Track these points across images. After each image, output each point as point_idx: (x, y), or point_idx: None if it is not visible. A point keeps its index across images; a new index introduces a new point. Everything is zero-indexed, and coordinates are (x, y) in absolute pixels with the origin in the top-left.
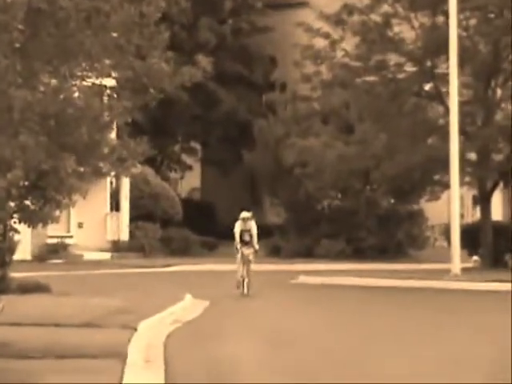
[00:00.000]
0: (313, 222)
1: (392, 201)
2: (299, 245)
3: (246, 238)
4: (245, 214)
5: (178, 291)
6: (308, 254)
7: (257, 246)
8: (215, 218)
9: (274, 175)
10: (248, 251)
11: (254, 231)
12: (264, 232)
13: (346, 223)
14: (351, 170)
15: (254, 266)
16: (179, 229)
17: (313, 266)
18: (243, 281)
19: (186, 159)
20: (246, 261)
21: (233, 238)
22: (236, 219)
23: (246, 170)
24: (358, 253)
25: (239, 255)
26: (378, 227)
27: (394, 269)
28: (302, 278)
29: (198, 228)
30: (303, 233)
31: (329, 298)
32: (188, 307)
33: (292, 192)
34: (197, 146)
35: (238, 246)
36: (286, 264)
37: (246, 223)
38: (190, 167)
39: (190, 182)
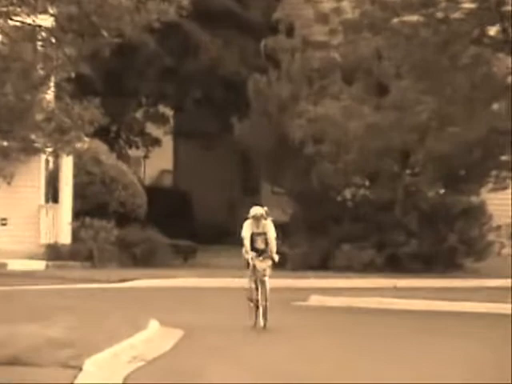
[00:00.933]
0: (330, 219)
1: (441, 191)
2: (311, 251)
3: (260, 244)
4: (257, 211)
5: (139, 316)
6: (323, 264)
7: (276, 257)
8: (193, 214)
9: (275, 154)
10: (263, 264)
11: (272, 235)
12: None
13: (377, 222)
14: (384, 147)
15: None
16: (142, 228)
17: (329, 282)
18: (257, 308)
19: (153, 130)
20: (260, 279)
21: (219, 241)
22: (223, 215)
23: (237, 146)
24: (393, 263)
25: (250, 271)
26: (421, 228)
27: (443, 286)
28: (315, 299)
29: (168, 227)
30: (316, 235)
31: (353, 330)
32: (153, 339)
33: (301, 178)
34: (167, 111)
35: (249, 258)
36: (292, 278)
37: (258, 223)
38: (157, 142)
39: (159, 162)
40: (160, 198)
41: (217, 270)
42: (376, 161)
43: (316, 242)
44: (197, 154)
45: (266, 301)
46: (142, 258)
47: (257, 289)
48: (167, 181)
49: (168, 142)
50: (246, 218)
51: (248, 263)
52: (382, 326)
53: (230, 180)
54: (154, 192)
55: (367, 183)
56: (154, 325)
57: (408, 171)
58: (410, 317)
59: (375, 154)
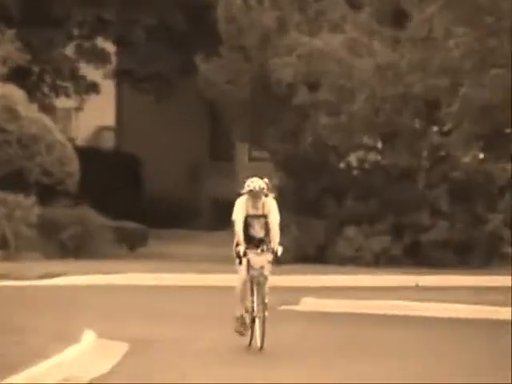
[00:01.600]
0: (329, 194)
1: (480, 155)
2: (303, 238)
3: (258, 231)
4: (255, 183)
5: (69, 324)
6: (319, 255)
7: (279, 249)
8: (142, 186)
9: (254, 104)
10: (261, 260)
11: (275, 218)
12: None
13: (393, 198)
14: (402, 96)
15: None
16: (74, 206)
17: (328, 280)
18: (252, 320)
19: (88, 72)
20: (256, 280)
21: (178, 223)
22: (184, 187)
23: (202, 93)
24: (415, 254)
25: (243, 268)
26: (452, 206)
27: (483, 285)
28: (308, 303)
29: (109, 204)
30: (311, 215)
31: (360, 350)
32: (89, 355)
33: (290, 137)
34: (108, 46)
35: (241, 250)
36: (278, 274)
37: (256, 202)
38: (95, 88)
39: (96, 116)
40: (98, 165)
41: (175, 263)
42: (391, 114)
43: (311, 225)
44: (148, 104)
45: (264, 311)
46: (73, 247)
47: (252, 294)
48: (108, 141)
49: (109, 88)
50: (239, 194)
51: (239, 257)
52: (400, 341)
53: (193, 140)
54: (89, 156)
55: (380, 145)
56: (89, 337)
57: (435, 128)
58: (438, 327)
59: (390, 105)
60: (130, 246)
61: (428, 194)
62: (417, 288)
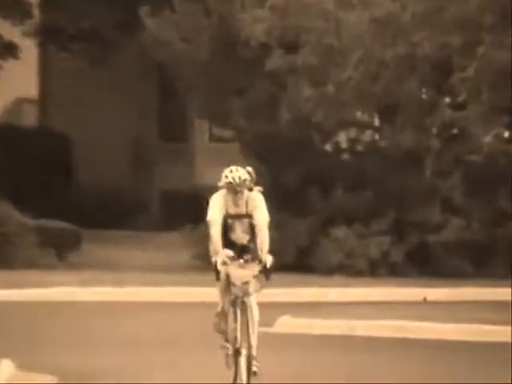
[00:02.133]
0: (312, 185)
1: (504, 133)
2: (281, 241)
3: (240, 236)
4: (235, 174)
5: None
6: (300, 261)
7: (268, 259)
8: (73, 173)
9: (216, 67)
10: (245, 273)
11: (262, 218)
12: (196, 207)
13: (393, 188)
14: (405, 57)
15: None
16: None
17: (310, 293)
18: (236, 352)
19: (4, 30)
20: (239, 301)
21: (118, 221)
22: (126, 175)
23: (149, 56)
24: (422, 260)
25: (221, 284)
26: (469, 198)
27: (509, 300)
28: (286, 323)
29: (30, 199)
30: (289, 212)
31: None
32: None
33: (262, 111)
34: None
35: (218, 261)
36: None
37: (238, 197)
38: (11, 49)
39: (14, 84)
40: (16, 147)
41: (116, 273)
42: (392, 82)
43: (289, 224)
44: (80, 70)
45: (250, 340)
46: None
47: (235, 319)
48: (29, 116)
49: (30, 50)
50: (216, 188)
51: (217, 271)
52: (403, 372)
53: (138, 115)
54: (5, 135)
55: (377, 121)
56: (6, 367)
57: (447, 99)
58: (450, 352)
59: (390, 70)
60: (59, 251)
61: (438, 183)
62: (423, 303)
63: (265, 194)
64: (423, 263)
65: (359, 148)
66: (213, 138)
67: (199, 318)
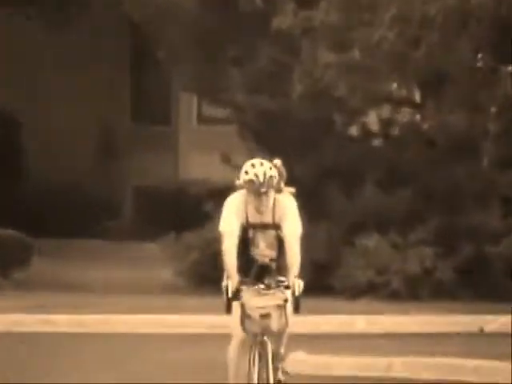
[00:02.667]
0: (333, 179)
1: None
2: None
3: (263, 253)
4: (259, 169)
5: None
6: (319, 280)
7: (297, 284)
8: (25, 169)
9: (209, 25)
10: (265, 304)
11: (294, 231)
12: (180, 209)
13: (440, 185)
14: (453, 9)
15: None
16: None
17: (332, 322)
18: None
19: None
20: (258, 341)
21: (82, 228)
22: (91, 168)
23: (121, 8)
24: (477, 279)
25: (234, 319)
26: None
27: None
28: (301, 360)
29: None
30: (304, 214)
31: None
32: None
33: (266, 81)
34: None
35: (229, 287)
36: None
37: (261, 202)
38: None
39: None
40: None
41: (78, 296)
42: (438, 44)
43: (303, 231)
44: (31, 33)
45: None
46: None
47: (253, 364)
48: None
49: None
50: (232, 189)
51: (228, 300)
52: None
53: (106, 91)
54: None
55: (418, 97)
56: None
57: (511, 68)
58: None
59: (435, 28)
60: (4, 267)
61: (498, 177)
62: (480, 335)
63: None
64: (479, 283)
65: (395, 132)
66: (202, 119)
67: (186, 355)
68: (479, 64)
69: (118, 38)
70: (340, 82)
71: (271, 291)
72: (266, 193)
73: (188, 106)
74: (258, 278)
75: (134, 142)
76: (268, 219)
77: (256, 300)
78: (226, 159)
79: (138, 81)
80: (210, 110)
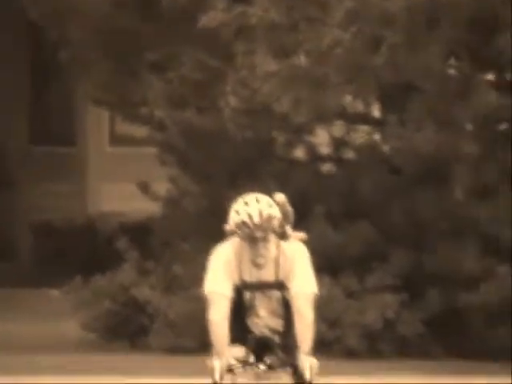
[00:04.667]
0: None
1: None
2: None
3: (264, 325)
4: (253, 207)
5: None
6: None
7: (308, 364)
8: None
9: (123, 19)
10: None
11: (303, 291)
12: (88, 248)
13: (405, 217)
14: None
15: None
16: None
17: None
18: None
19: None
20: None
21: None
22: None
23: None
24: (456, 334)
25: None
26: None
27: None
28: None
29: None
30: None
31: None
32: None
33: (193, 92)
34: None
35: (216, 369)
36: None
37: (259, 253)
38: None
39: None
40: None
41: None
42: (402, 47)
43: None
44: None
45: None
46: None
47: None
48: None
49: None
50: (222, 235)
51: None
52: None
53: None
54: None
55: (377, 111)
56: None
57: (490, 76)
58: None
59: (398, 27)
60: None
61: (474, 210)
62: None
63: (200, 227)
64: (452, 338)
65: (349, 155)
66: (116, 140)
67: None
68: (452, 71)
69: (14, 40)
70: (283, 95)
71: (274, 374)
72: (263, 238)
73: (98, 123)
74: (257, 356)
75: (31, 168)
76: (269, 276)
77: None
78: (145, 188)
79: (38, 94)
80: (125, 129)
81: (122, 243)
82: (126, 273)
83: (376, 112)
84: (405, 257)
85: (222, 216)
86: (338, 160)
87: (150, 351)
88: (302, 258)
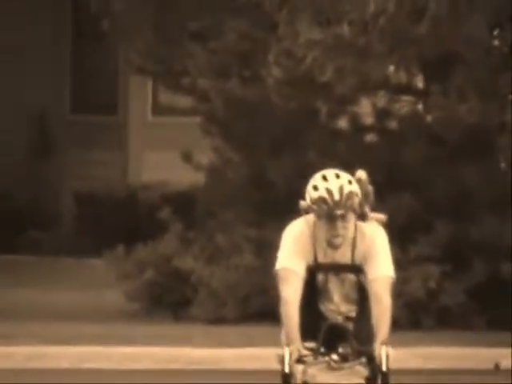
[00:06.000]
0: (305, 183)
1: None
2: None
3: (338, 311)
4: (333, 183)
5: None
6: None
7: (385, 353)
8: None
9: None
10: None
11: (382, 276)
12: (130, 218)
13: (448, 188)
14: None
15: None
16: None
17: None
18: None
19: None
20: None
21: (18, 246)
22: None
23: None
24: (498, 305)
25: None
26: None
27: None
28: None
29: None
30: (279, 223)
31: None
32: None
33: (234, 54)
34: None
35: (285, 357)
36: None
37: (336, 233)
38: None
39: None
40: None
41: (4, 324)
42: (444, 18)
43: (275, 246)
44: None
45: None
46: None
47: None
48: None
49: None
50: (296, 213)
51: (285, 375)
52: None
53: (39, 76)
54: None
55: (421, 81)
56: None
57: None
58: None
59: None
60: None
61: None
62: (495, 373)
63: (242, 197)
64: (493, 308)
65: (392, 125)
66: (158, 109)
67: None
68: (496, 42)
69: (56, 10)
70: (326, 64)
71: (348, 364)
72: (343, 217)
73: (141, 92)
74: (329, 345)
75: (73, 137)
76: (345, 258)
77: (326, 377)
78: (188, 158)
79: (79, 63)
80: (168, 98)
81: (164, 213)
82: (168, 243)
83: (419, 82)
84: (448, 227)
85: (265, 186)
86: (381, 130)
87: (192, 321)
88: (381, 241)
